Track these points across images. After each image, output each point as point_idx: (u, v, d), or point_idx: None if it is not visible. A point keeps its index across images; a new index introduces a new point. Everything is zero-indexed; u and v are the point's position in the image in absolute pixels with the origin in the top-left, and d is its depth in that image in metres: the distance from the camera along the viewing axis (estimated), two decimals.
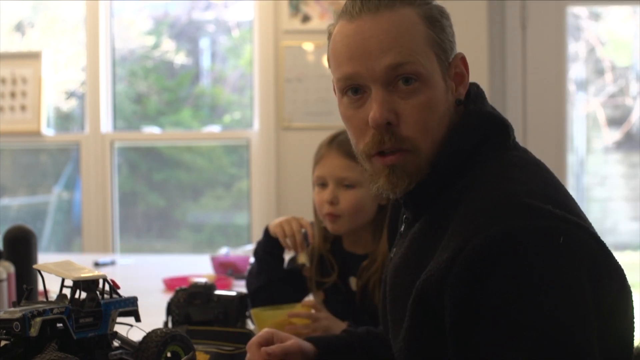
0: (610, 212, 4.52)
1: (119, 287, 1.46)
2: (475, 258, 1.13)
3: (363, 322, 1.83)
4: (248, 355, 1.59)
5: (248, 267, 2.24)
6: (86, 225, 4.45)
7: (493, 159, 1.29)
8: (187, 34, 4.87)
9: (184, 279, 2.72)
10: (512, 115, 3.91)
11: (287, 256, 2.18)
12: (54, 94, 4.66)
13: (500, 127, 1.33)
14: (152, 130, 4.55)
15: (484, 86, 1.43)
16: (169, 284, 2.81)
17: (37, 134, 4.45)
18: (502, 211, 1.17)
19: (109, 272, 2.02)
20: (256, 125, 4.26)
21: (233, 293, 1.95)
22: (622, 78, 4.41)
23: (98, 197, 4.43)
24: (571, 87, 4.23)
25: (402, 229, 1.41)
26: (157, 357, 1.42)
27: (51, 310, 1.33)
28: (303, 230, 2.09)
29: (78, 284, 1.38)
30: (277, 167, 4.21)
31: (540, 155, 1.35)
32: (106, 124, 4.47)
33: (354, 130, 1.33)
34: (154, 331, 1.45)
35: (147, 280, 2.97)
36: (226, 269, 3.01)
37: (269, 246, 2.13)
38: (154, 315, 1.93)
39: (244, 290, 2.10)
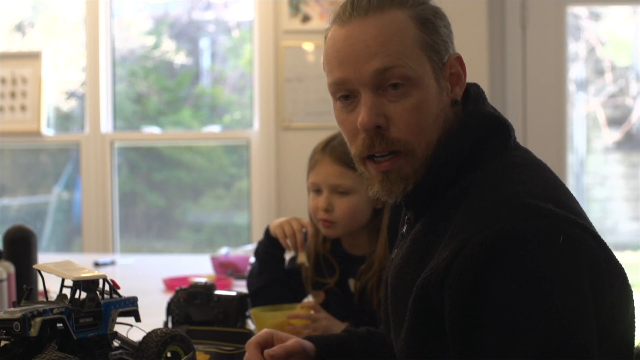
0: (610, 212, 4.52)
1: (119, 287, 1.46)
2: (476, 257, 1.14)
3: (362, 324, 1.83)
4: (246, 354, 1.59)
5: (248, 268, 2.24)
6: (86, 225, 4.45)
7: (493, 159, 1.29)
8: (187, 34, 4.86)
9: (184, 279, 2.72)
10: (512, 115, 3.91)
11: (288, 256, 2.18)
12: (54, 94, 4.66)
13: (500, 128, 1.33)
14: (152, 130, 4.55)
15: (484, 86, 1.43)
16: (169, 284, 2.81)
17: (37, 134, 4.45)
18: (502, 210, 1.17)
19: (109, 272, 2.02)
20: (256, 125, 4.26)
21: (233, 293, 1.95)
22: (622, 78, 4.40)
23: (98, 197, 4.43)
24: (571, 87, 4.22)
25: (403, 229, 1.42)
26: (157, 357, 1.41)
27: (51, 310, 1.33)
28: (304, 229, 2.09)
29: (78, 284, 1.38)
30: (277, 167, 4.21)
31: (540, 155, 1.35)
32: (106, 124, 4.47)
33: (347, 134, 1.35)
34: (154, 331, 1.45)
35: (147, 280, 2.97)
36: (226, 269, 3.01)
37: (270, 246, 2.13)
38: (154, 315, 1.93)
39: (244, 290, 2.10)
